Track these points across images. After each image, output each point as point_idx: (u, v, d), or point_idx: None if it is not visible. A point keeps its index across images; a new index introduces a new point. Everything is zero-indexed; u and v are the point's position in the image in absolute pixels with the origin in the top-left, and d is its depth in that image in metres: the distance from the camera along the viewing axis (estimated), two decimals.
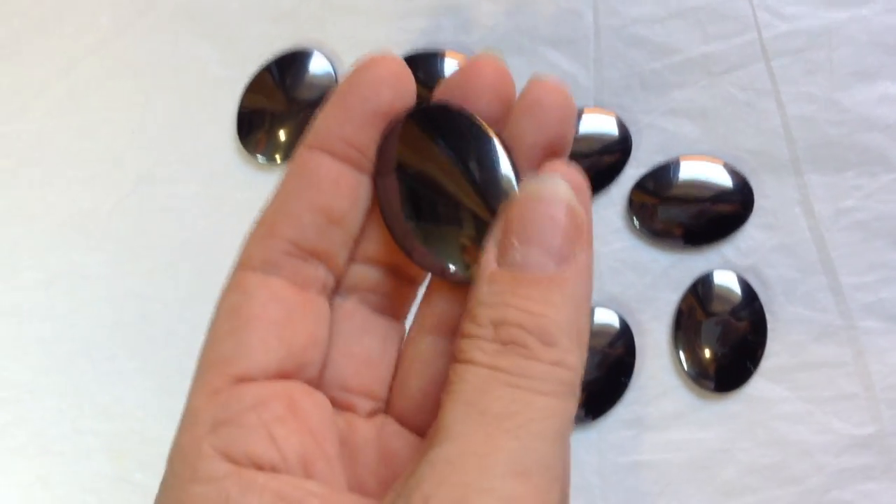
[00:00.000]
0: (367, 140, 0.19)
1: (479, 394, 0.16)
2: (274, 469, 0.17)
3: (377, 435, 0.20)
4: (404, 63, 0.20)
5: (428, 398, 0.19)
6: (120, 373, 0.40)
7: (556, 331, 0.16)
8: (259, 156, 0.39)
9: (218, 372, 0.18)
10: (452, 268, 0.19)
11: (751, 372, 0.37)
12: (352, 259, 0.20)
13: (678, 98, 0.38)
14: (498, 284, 0.17)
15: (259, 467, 0.17)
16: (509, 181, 0.19)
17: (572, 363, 0.17)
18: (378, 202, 0.20)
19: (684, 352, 0.38)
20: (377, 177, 0.20)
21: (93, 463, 0.39)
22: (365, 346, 0.20)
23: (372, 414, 0.20)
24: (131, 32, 0.40)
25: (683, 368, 0.38)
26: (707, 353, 0.37)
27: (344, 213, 0.19)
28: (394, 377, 0.20)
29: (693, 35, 0.38)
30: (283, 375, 0.18)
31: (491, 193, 0.19)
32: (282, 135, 0.39)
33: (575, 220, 0.17)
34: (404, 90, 0.20)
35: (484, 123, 0.19)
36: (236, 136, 0.39)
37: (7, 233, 0.40)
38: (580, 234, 0.17)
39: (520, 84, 0.38)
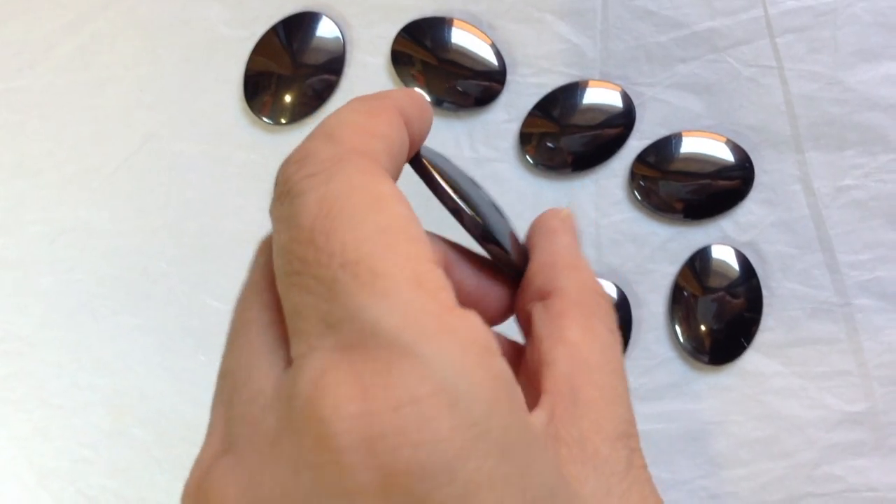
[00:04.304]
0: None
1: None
2: None
3: None
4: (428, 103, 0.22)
5: None
6: (121, 329, 0.40)
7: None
8: (265, 118, 0.39)
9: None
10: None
11: (745, 347, 0.38)
12: None
13: (683, 72, 0.38)
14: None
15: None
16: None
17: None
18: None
19: (680, 325, 0.38)
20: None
21: (91, 417, 0.40)
22: None
23: None
24: None
25: (679, 341, 0.38)
26: (703, 326, 0.38)
27: None
28: None
29: (700, 9, 0.38)
30: None
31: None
32: (287, 98, 0.39)
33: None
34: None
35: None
36: (243, 97, 0.40)
37: (13, 187, 0.41)
38: None
39: (527, 52, 0.38)
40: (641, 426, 0.39)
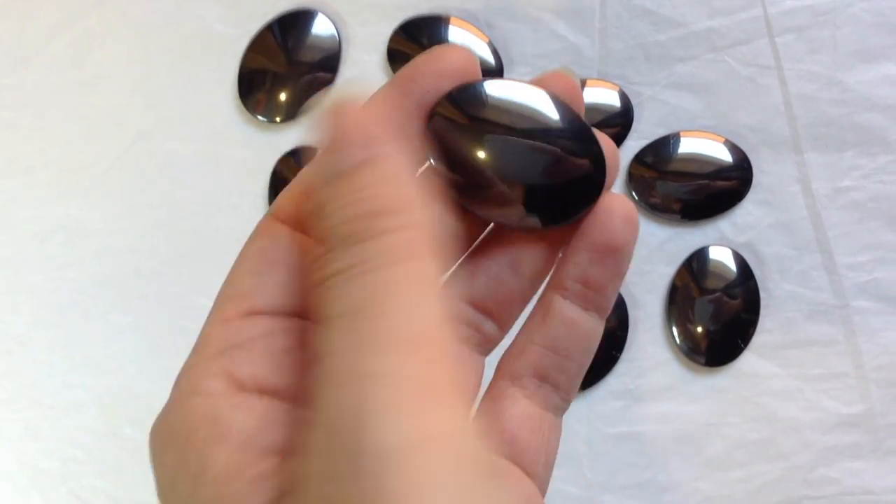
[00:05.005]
0: (415, 130, 0.20)
1: (340, 302, 0.16)
2: (275, 395, 0.18)
3: None
4: (472, 55, 0.20)
5: None
6: (112, 328, 0.40)
7: (389, 202, 0.16)
8: (259, 116, 0.39)
9: (233, 305, 0.18)
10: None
11: (742, 348, 0.38)
12: None
13: (681, 71, 0.38)
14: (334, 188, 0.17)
15: (261, 391, 0.17)
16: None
17: (417, 222, 0.17)
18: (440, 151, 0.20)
19: (677, 326, 0.38)
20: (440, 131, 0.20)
21: (83, 417, 0.39)
22: None
23: None
24: None
25: (675, 342, 0.38)
26: (699, 328, 0.38)
27: None
28: None
29: (699, 9, 0.37)
30: (297, 315, 0.19)
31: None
32: (282, 96, 0.39)
33: (365, 124, 0.17)
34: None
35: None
36: (237, 95, 0.39)
37: (4, 185, 0.40)
38: (373, 131, 0.17)
39: (525, 51, 0.38)
40: (636, 427, 0.39)
